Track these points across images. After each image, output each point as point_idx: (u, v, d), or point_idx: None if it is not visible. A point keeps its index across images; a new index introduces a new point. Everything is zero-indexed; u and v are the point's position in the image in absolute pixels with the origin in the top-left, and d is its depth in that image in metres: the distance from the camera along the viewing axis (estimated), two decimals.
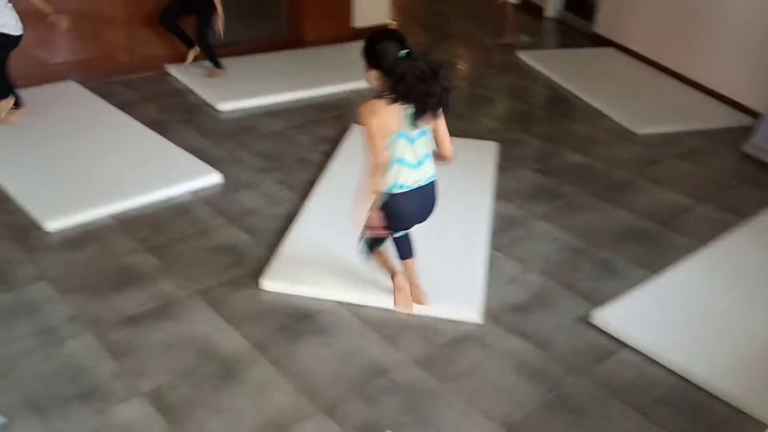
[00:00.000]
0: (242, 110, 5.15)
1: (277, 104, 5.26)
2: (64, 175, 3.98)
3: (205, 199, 3.96)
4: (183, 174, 4.10)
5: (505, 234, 3.73)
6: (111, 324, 2.96)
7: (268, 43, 6.33)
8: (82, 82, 5.24)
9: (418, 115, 2.59)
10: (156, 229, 3.65)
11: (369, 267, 3.17)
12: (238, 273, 3.34)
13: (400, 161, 2.70)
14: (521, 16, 7.36)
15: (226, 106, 5.13)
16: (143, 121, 4.72)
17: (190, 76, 5.51)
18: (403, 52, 2.60)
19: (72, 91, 5.12)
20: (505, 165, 4.45)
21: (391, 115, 2.61)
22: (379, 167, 2.64)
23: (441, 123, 2.78)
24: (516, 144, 4.80)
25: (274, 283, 3.23)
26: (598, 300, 3.21)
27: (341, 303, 3.14)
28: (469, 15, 8.09)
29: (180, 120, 4.90)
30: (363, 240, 3.00)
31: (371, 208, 2.75)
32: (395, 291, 3.10)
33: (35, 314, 2.99)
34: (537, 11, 7.96)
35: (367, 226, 2.86)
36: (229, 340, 2.92)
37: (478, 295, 3.16)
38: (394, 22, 2.57)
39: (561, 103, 5.70)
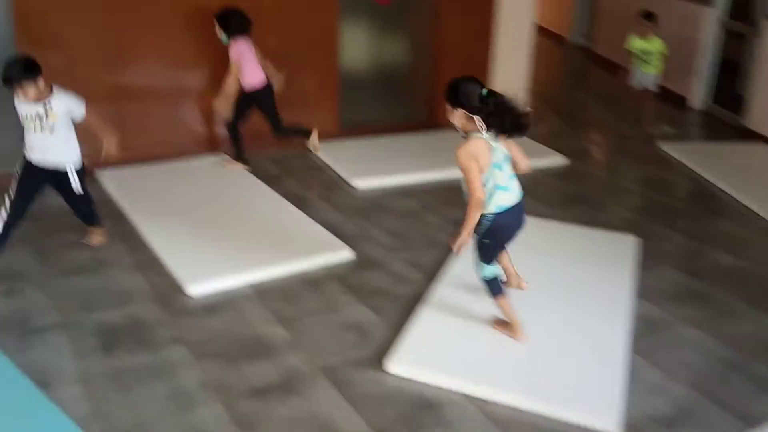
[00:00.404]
0: (376, 188, 5.27)
1: (411, 184, 5.35)
2: (209, 242, 4.21)
3: (336, 274, 4.03)
4: (317, 248, 4.22)
5: (647, 338, 3.50)
6: (240, 394, 3.02)
7: (406, 124, 6.51)
8: (230, 153, 5.59)
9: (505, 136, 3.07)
10: (289, 301, 3.74)
11: (491, 304, 3.39)
12: (362, 353, 3.34)
13: (498, 187, 3.13)
14: (662, 106, 7.14)
15: (362, 183, 5.28)
16: (284, 195, 4.94)
17: (331, 153, 5.74)
18: (485, 90, 3.03)
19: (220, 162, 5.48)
20: (647, 262, 4.22)
21: (482, 152, 3.06)
22: (480, 202, 3.07)
23: (513, 143, 3.20)
24: (658, 239, 4.56)
25: (398, 366, 3.19)
26: (753, 420, 2.91)
27: (467, 396, 3.04)
28: (606, 103, 7.96)
29: (318, 195, 5.09)
30: (482, 267, 3.33)
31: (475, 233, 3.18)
32: (511, 329, 3.36)
33: (171, 377, 3.11)
34: (679, 101, 7.69)
35: (480, 255, 3.30)
36: (350, 422, 2.89)
37: (617, 403, 2.95)
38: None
39: (707, 198, 5.39)
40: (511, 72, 6.88)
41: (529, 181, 5.61)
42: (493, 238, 3.25)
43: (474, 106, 3.04)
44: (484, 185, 3.09)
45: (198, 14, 5.25)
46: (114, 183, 4.97)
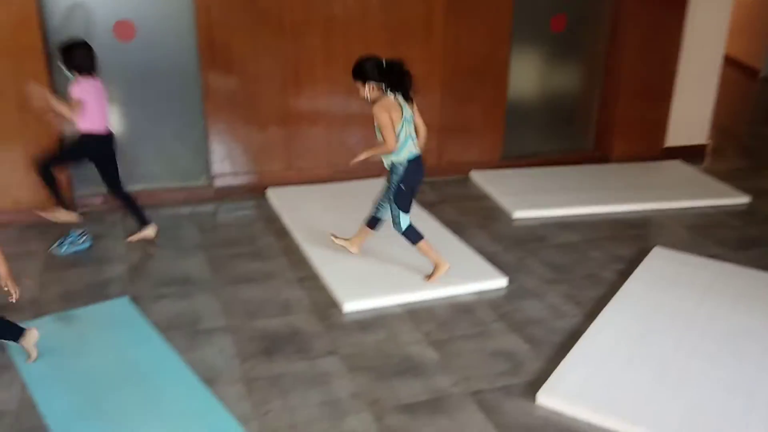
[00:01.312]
0: (536, 219, 5.16)
1: (573, 217, 5.18)
2: (366, 261, 4.31)
3: (489, 301, 3.97)
4: (471, 274, 4.19)
5: None
6: (388, 408, 3.05)
7: (571, 155, 6.36)
8: None
9: (407, 99, 3.82)
10: (440, 324, 3.74)
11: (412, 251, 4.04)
12: (513, 381, 3.25)
13: (409, 137, 3.85)
14: None
15: (521, 213, 5.19)
16: (441, 221, 4.97)
17: (492, 182, 5.71)
18: (384, 62, 3.77)
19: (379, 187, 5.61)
20: None
21: (394, 107, 3.76)
22: (392, 149, 3.78)
23: (415, 106, 3.92)
24: None
25: (550, 399, 3.07)
26: None
27: None
28: None
29: (475, 224, 5.06)
30: (400, 217, 3.95)
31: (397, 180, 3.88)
32: (436, 272, 4.06)
33: (325, 385, 3.21)
34: None
35: (398, 204, 3.92)
36: None
37: None
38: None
39: None
40: (694, 104, 6.53)
41: (705, 221, 5.32)
42: (407, 183, 3.90)
43: (379, 76, 3.75)
44: (397, 136, 3.77)
45: (366, 50, 5.48)
46: (280, 201, 5.25)
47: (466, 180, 5.95)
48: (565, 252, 4.63)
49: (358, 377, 3.26)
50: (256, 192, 5.48)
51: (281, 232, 4.83)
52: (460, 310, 3.89)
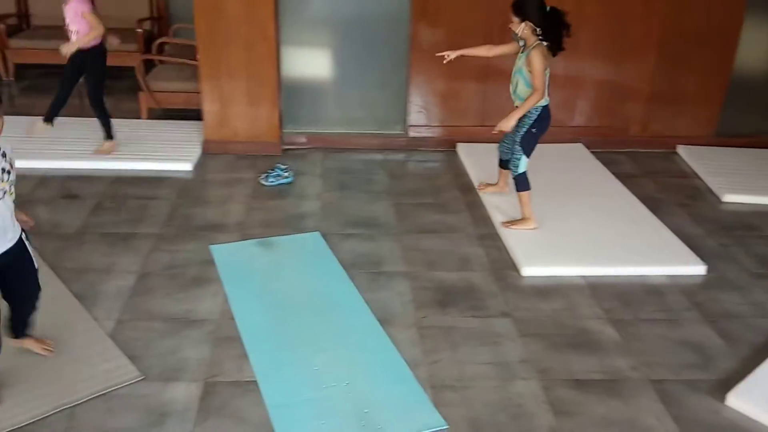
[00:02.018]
0: (749, 205, 4.67)
1: None
2: (551, 227, 4.17)
3: (682, 287, 3.69)
4: (664, 256, 3.91)
5: None
6: (559, 380, 2.97)
7: None
8: (589, 147, 5.46)
9: (554, 54, 3.84)
10: (623, 302, 3.54)
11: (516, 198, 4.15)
12: (700, 376, 3.01)
13: (548, 86, 3.89)
14: None
15: (732, 197, 4.72)
16: (638, 196, 4.66)
17: (701, 160, 5.25)
18: (548, 7, 3.74)
19: (578, 153, 5.38)
20: None
21: (547, 55, 3.81)
22: (541, 95, 3.81)
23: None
24: None
25: (743, 402, 2.81)
26: None
27: None
28: None
29: (676, 202, 4.69)
30: (521, 160, 4.01)
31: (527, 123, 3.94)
32: (520, 224, 4.12)
33: (496, 346, 3.19)
34: None
35: (524, 147, 3.99)
36: None
37: None
38: None
39: None
40: None
41: None
42: (539, 127, 3.94)
43: (538, 20, 3.73)
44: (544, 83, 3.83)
45: (579, 6, 5.19)
46: (469, 156, 5.21)
47: (672, 155, 5.50)
48: None
49: (530, 343, 3.20)
50: (446, 145, 5.48)
51: (467, 188, 4.81)
52: (649, 291, 3.65)
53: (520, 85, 3.92)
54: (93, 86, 4.84)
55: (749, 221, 4.46)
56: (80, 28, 4.60)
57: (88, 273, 3.63)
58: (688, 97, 5.47)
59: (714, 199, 4.77)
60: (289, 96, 5.36)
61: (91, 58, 4.72)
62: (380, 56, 5.34)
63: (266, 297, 3.48)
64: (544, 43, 3.77)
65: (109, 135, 5.00)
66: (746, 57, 5.46)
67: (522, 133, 3.96)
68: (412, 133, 5.51)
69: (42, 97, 5.47)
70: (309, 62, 5.40)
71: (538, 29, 3.75)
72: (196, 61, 5.14)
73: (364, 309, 3.41)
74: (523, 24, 3.77)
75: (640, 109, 5.50)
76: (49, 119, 5.00)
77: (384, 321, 3.31)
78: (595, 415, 2.77)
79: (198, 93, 5.22)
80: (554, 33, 3.74)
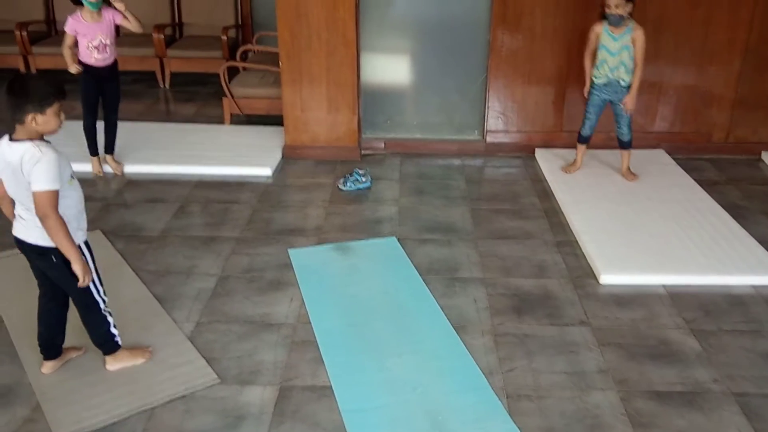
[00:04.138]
0: None
1: None
2: (631, 235, 4.13)
3: (767, 298, 3.59)
4: (748, 266, 3.81)
5: None
6: (638, 391, 2.95)
7: None
8: (670, 153, 5.35)
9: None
10: (706, 312, 3.48)
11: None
12: None
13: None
14: None
15: None
16: (721, 203, 4.55)
17: None
18: None
19: (660, 159, 5.28)
20: None
21: None
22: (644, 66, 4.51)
23: None
24: None
25: None
26: None
27: None
28: None
29: (761, 210, 4.55)
30: (629, 124, 4.75)
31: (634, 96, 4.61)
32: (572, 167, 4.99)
33: (573, 355, 3.18)
34: None
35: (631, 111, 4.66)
36: None
37: None
38: None
39: None
40: None
41: None
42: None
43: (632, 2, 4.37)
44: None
45: (660, 14, 5.09)
46: (548, 162, 5.20)
47: (757, 161, 5.33)
48: None
49: (608, 353, 3.19)
50: (525, 151, 5.48)
51: (544, 194, 4.81)
52: (733, 302, 3.57)
53: (627, 61, 4.49)
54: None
55: None
56: (113, 38, 4.68)
57: (169, 275, 3.75)
58: None
59: None
60: (368, 101, 5.48)
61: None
62: (460, 62, 5.38)
63: (342, 301, 3.56)
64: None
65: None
66: None
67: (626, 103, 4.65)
68: (490, 139, 5.53)
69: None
70: (388, 68, 5.49)
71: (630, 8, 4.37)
72: (278, 68, 5.32)
73: (439, 315, 3.45)
74: (628, 5, 4.33)
75: (724, 115, 5.34)
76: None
77: (459, 328, 3.35)
78: (674, 428, 2.74)
79: (280, 99, 5.39)
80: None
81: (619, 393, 2.93)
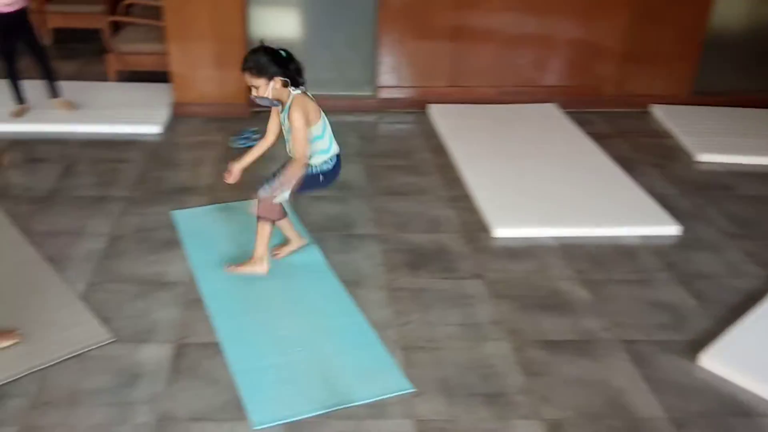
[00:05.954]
0: (723, 165, 4.62)
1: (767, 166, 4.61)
2: (523, 189, 4.10)
3: (655, 248, 3.64)
4: (637, 217, 3.86)
5: None
6: (529, 341, 2.92)
7: None
8: (562, 107, 5.37)
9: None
10: (595, 263, 3.49)
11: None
12: (672, 337, 2.97)
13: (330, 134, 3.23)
14: None
15: (707, 157, 4.67)
16: (611, 156, 4.59)
17: (676, 119, 5.19)
18: (283, 51, 3.03)
19: (551, 113, 5.28)
20: None
21: (311, 106, 3.10)
22: (303, 161, 3.09)
23: None
24: None
25: (714, 363, 2.78)
26: None
27: None
28: None
29: (650, 162, 4.64)
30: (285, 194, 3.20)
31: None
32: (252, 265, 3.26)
33: (467, 307, 3.12)
34: None
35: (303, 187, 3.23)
36: (644, 401, 2.62)
37: None
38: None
39: None
40: None
41: None
42: (327, 178, 3.26)
43: (284, 70, 3.00)
44: (321, 135, 3.14)
45: None
46: (441, 118, 5.10)
47: (646, 114, 5.44)
48: (754, 205, 4.12)
49: (501, 304, 3.13)
50: (417, 107, 5.36)
51: (438, 149, 4.71)
52: (621, 252, 3.60)
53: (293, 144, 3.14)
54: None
55: (724, 181, 4.42)
56: None
57: (59, 236, 3.57)
58: (663, 54, 5.38)
59: (688, 158, 4.72)
60: None
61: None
62: (349, 17, 5.18)
63: (227, 260, 3.39)
64: (297, 91, 3.07)
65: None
66: (723, 12, 5.37)
67: (309, 175, 3.22)
68: (383, 95, 5.37)
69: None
70: (277, 22, 5.22)
71: (287, 80, 3.01)
72: (163, 22, 4.95)
73: (329, 273, 3.32)
74: (271, 83, 2.99)
75: (613, 68, 5.40)
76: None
77: (354, 283, 3.24)
78: (566, 376, 2.73)
79: (167, 55, 5.04)
80: (296, 70, 3.06)
81: (512, 343, 2.90)
